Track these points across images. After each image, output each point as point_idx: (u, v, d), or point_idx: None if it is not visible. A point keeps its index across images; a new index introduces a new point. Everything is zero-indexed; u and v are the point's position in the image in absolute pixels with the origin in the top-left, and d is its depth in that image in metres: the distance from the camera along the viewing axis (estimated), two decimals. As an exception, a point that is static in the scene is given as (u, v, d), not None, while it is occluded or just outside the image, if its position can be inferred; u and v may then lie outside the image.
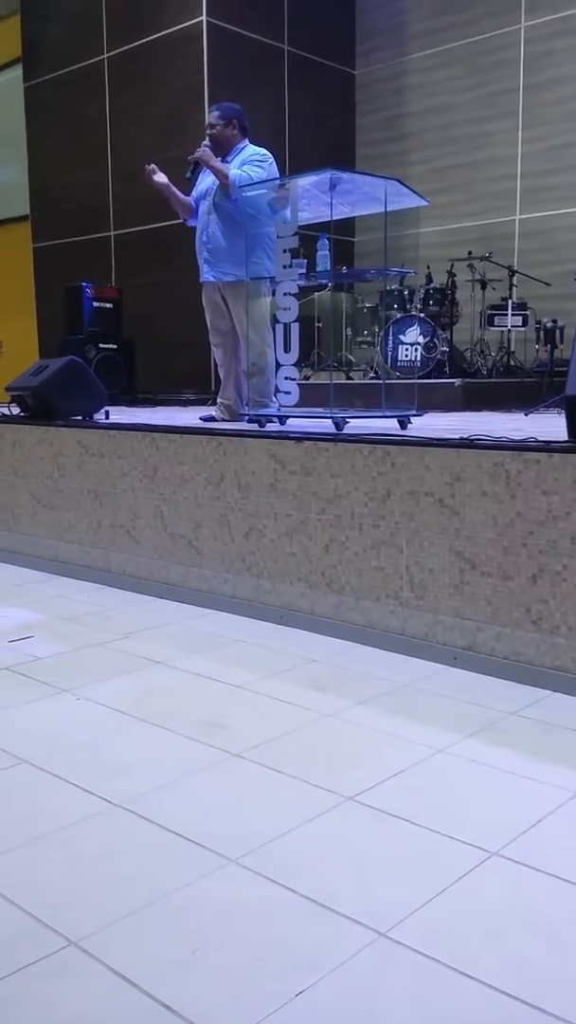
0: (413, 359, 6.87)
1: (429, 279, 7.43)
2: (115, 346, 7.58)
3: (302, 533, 3.41)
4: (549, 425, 4.24)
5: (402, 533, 3.10)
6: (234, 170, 4.60)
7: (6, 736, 2.41)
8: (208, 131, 4.80)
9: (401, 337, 6.97)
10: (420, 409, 4.35)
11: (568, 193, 7.78)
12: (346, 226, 8.39)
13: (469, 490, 2.91)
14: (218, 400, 5.14)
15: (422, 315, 7.01)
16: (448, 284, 7.32)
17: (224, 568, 3.71)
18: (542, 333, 7.12)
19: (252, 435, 3.63)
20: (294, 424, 4.14)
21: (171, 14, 8.07)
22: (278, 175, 4.71)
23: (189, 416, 5.44)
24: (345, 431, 3.57)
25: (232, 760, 2.24)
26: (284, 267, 3.94)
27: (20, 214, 10.03)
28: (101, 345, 7.45)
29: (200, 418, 5.08)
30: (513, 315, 7.19)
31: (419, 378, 6.62)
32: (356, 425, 3.77)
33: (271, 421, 4.19)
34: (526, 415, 5.48)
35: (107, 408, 4.98)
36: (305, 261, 4.05)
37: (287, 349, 3.96)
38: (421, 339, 6.88)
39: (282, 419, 4.22)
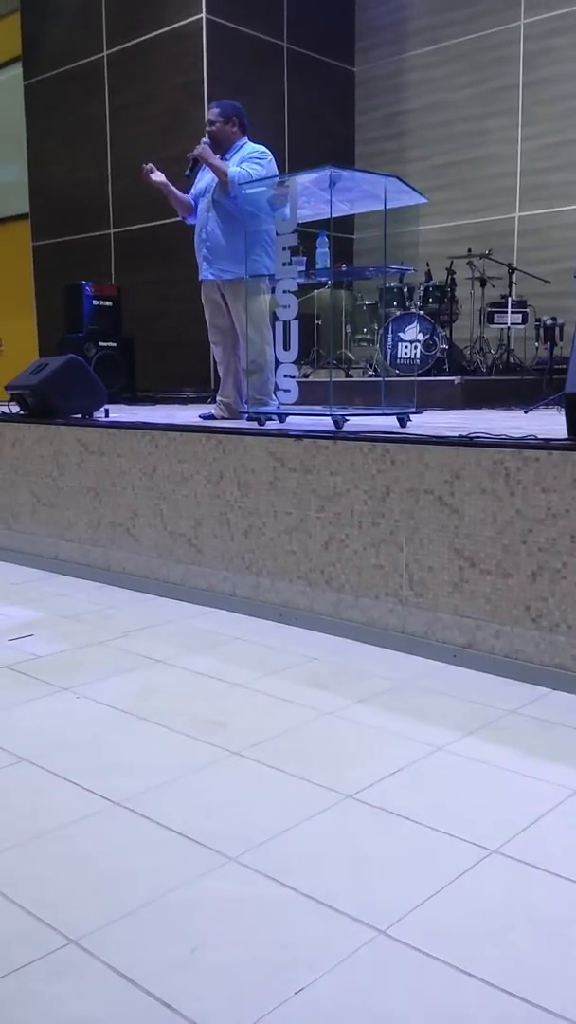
0: (412, 357, 6.86)
1: (428, 276, 7.42)
2: (115, 344, 7.57)
3: (302, 531, 3.41)
4: (549, 423, 4.25)
5: (402, 531, 3.10)
6: (233, 167, 4.59)
7: (6, 734, 2.41)
8: (208, 128, 4.79)
9: (400, 335, 6.97)
10: (419, 407, 4.35)
11: (568, 190, 7.77)
12: (345, 223, 8.36)
13: (468, 488, 2.91)
14: (218, 398, 5.14)
15: (421, 313, 7.00)
16: (447, 281, 7.31)
17: (224, 566, 3.71)
18: (542, 331, 7.10)
19: (252, 433, 3.63)
20: (293, 422, 4.14)
21: (170, 11, 8.07)
22: (277, 172, 4.70)
23: (189, 414, 5.43)
24: (344, 429, 3.57)
25: (232, 758, 2.25)
26: (283, 264, 3.94)
27: (20, 212, 10.02)
28: (101, 343, 7.44)
29: (200, 416, 5.08)
30: (513, 312, 7.18)
31: (418, 376, 6.61)
32: (355, 423, 3.77)
33: (270, 419, 4.18)
34: (526, 413, 5.48)
35: (107, 406, 4.98)
36: (304, 258, 4.04)
37: (286, 347, 3.96)
38: (421, 337, 6.87)
39: (281, 417, 4.22)
